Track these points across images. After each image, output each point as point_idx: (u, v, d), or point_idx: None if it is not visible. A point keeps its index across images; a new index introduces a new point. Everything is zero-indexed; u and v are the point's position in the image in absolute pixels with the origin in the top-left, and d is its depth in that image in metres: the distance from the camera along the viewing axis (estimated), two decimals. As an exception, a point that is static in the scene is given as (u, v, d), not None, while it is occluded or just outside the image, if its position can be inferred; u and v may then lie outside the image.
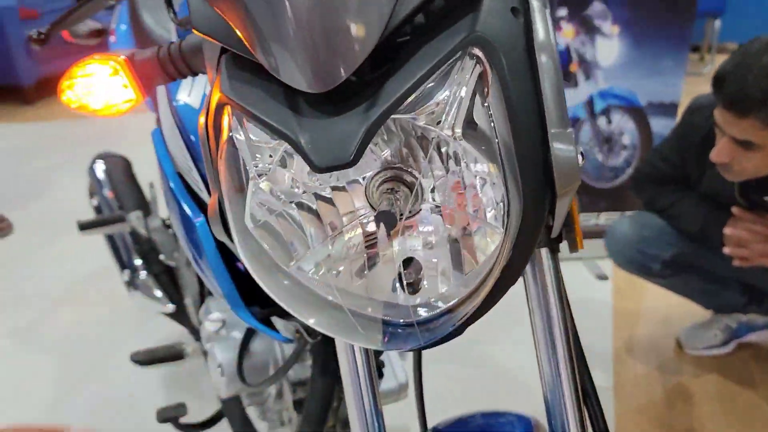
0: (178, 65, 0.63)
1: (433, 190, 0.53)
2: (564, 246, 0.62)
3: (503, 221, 0.50)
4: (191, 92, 0.75)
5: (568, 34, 2.29)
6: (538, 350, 0.64)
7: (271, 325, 0.79)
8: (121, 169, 1.88)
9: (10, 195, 3.15)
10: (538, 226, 0.51)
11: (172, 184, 0.76)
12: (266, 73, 0.51)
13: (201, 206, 0.74)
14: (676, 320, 2.15)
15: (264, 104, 0.49)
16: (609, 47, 2.29)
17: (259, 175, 0.51)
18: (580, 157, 0.51)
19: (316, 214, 0.54)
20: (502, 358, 1.96)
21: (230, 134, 0.51)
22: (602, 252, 2.00)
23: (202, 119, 0.55)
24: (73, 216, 1.63)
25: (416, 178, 0.53)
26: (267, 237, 0.55)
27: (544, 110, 0.48)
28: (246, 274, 0.76)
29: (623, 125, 2.40)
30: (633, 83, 2.34)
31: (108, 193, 1.80)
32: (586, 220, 2.60)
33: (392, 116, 0.47)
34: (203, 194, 0.74)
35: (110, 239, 1.76)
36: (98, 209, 1.83)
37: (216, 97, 0.52)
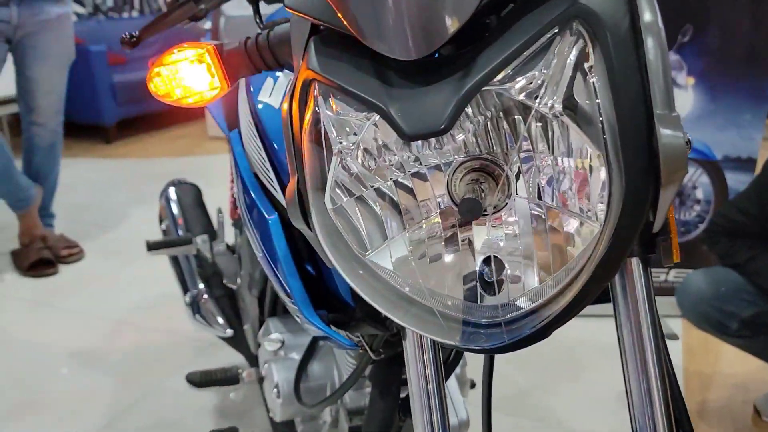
0: (265, 56, 0.64)
1: (518, 177, 0.51)
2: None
3: (604, 212, 0.47)
4: (272, 93, 0.76)
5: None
6: (627, 372, 0.57)
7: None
8: (192, 196, 1.93)
9: (85, 223, 3.28)
10: (639, 220, 0.47)
11: (247, 182, 0.77)
12: (355, 49, 0.51)
13: (275, 205, 0.74)
14: (754, 385, 2.00)
15: (353, 77, 0.49)
16: (683, 98, 2.24)
17: (343, 153, 0.51)
18: (687, 142, 0.48)
19: (396, 202, 0.53)
20: (560, 411, 1.86)
21: (316, 109, 0.51)
22: (671, 310, 1.90)
23: (285, 105, 0.55)
24: (141, 247, 1.67)
25: (503, 170, 0.51)
26: (344, 224, 0.54)
27: (650, 91, 0.45)
28: (315, 277, 0.75)
29: (697, 179, 2.32)
30: (708, 136, 2.27)
31: (177, 217, 1.85)
32: (655, 276, 2.49)
33: (487, 87, 0.45)
34: (278, 194, 0.74)
35: (175, 262, 1.80)
36: (166, 232, 1.88)
37: (303, 75, 0.53)
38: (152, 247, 1.66)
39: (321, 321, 0.71)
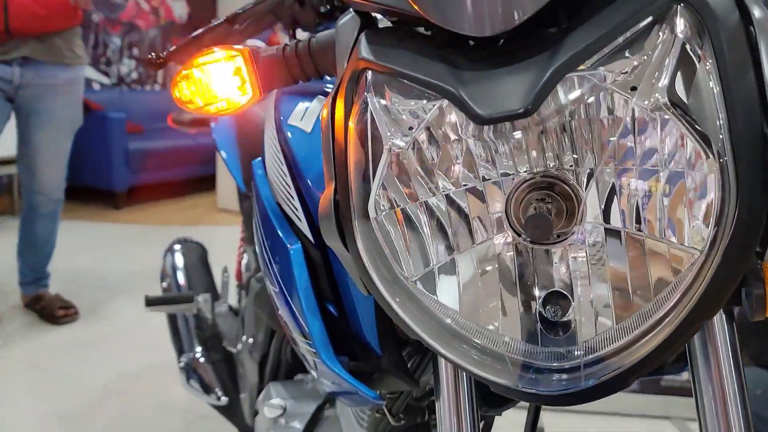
0: (304, 64, 0.59)
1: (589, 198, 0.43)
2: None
3: (712, 236, 0.39)
4: (303, 117, 0.70)
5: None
6: None
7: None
8: (197, 255, 1.86)
9: (84, 286, 3.19)
10: (751, 247, 0.39)
11: (268, 211, 0.69)
12: (413, 41, 0.46)
13: (298, 236, 0.67)
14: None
15: (414, 63, 0.43)
16: None
17: (395, 151, 0.43)
18: None
19: (447, 220, 0.45)
20: None
21: (366, 101, 0.44)
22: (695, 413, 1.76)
23: (325, 110, 0.49)
24: (137, 313, 1.59)
25: (573, 191, 0.43)
26: (386, 242, 0.46)
27: (766, 92, 0.38)
28: (337, 319, 0.66)
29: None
30: None
31: (179, 275, 1.77)
32: (673, 377, 2.35)
33: (576, 72, 0.39)
34: (302, 224, 0.67)
35: (173, 321, 1.70)
36: (167, 290, 1.79)
37: (351, 67, 0.46)
38: (151, 302, 1.56)
39: (342, 368, 0.62)
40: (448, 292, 0.46)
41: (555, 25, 0.41)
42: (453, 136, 0.43)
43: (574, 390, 0.43)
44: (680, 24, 0.38)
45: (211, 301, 1.61)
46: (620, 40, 0.39)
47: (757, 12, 0.39)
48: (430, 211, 0.45)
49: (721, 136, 0.38)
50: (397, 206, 0.45)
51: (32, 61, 2.32)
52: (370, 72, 0.44)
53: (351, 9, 0.51)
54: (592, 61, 0.39)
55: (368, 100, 0.43)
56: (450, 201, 0.45)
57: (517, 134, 0.42)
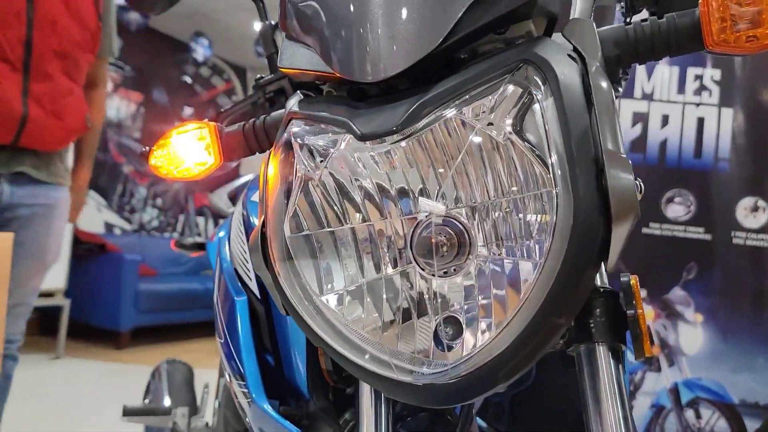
0: (260, 137, 0.71)
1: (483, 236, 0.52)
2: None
3: (547, 242, 0.47)
4: (261, 197, 0.81)
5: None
6: None
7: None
8: (182, 374, 1.88)
9: (69, 423, 3.13)
10: (589, 253, 0.47)
11: (224, 271, 0.78)
12: (328, 97, 0.57)
13: (246, 293, 0.74)
14: None
15: (324, 109, 0.54)
16: (693, 335, 2.21)
17: (308, 179, 0.53)
18: (638, 186, 0.49)
19: (354, 247, 0.54)
20: None
21: (287, 139, 0.55)
22: None
23: (263, 166, 0.60)
24: None
25: (466, 230, 0.52)
26: (304, 262, 0.54)
27: (598, 134, 0.48)
28: (273, 368, 0.71)
29: (714, 423, 2.18)
30: (722, 377, 2.19)
31: (162, 392, 1.78)
32: None
33: (441, 109, 0.49)
34: (251, 282, 0.75)
35: (149, 434, 1.69)
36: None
37: (285, 121, 0.58)
38: (128, 412, 1.57)
39: (273, 410, 0.66)
40: (353, 311, 0.53)
41: (434, 78, 0.52)
42: (359, 170, 0.53)
43: (443, 382, 0.48)
44: (527, 77, 0.50)
45: (188, 415, 1.61)
46: (481, 87, 0.50)
47: (593, 65, 0.51)
48: (340, 238, 0.53)
49: (557, 167, 0.47)
50: (310, 231, 0.53)
51: (26, 177, 1.83)
52: (294, 121, 0.56)
53: (298, 91, 0.64)
54: (458, 101, 0.49)
55: (290, 140, 0.54)
56: (356, 231, 0.53)
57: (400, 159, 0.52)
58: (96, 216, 5.55)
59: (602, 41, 0.56)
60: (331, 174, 0.53)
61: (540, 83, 0.49)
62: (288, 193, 0.54)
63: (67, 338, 4.50)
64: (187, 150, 0.71)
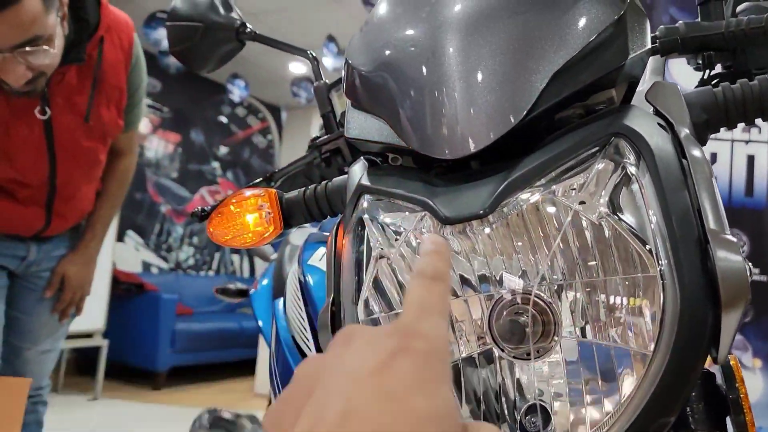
0: (321, 204, 0.68)
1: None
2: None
3: (655, 337, 0.43)
4: (322, 258, 0.79)
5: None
6: None
7: None
8: (224, 425, 1.85)
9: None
10: (699, 347, 0.43)
11: (282, 341, 0.75)
12: (401, 171, 0.55)
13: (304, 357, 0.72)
14: None
15: (398, 185, 0.52)
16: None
17: (381, 257, 0.50)
18: (747, 267, 0.45)
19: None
20: None
21: (360, 216, 0.52)
22: None
23: (331, 237, 0.57)
24: None
25: (549, 309, 0.48)
26: None
27: (701, 211, 0.44)
28: None
29: (780, 476, 2.05)
30: (786, 427, 2.07)
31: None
32: None
33: (530, 188, 0.46)
34: (311, 354, 0.72)
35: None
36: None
37: (354, 195, 0.55)
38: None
39: None
40: None
41: (515, 154, 0.50)
42: None
43: None
44: (619, 152, 0.46)
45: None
46: (569, 163, 0.47)
47: (695, 152, 0.47)
48: None
49: (660, 251, 0.43)
50: (386, 312, 0.50)
51: (50, 240, 1.80)
52: (366, 195, 0.53)
53: (362, 157, 0.62)
54: (546, 179, 0.46)
55: (363, 216, 0.52)
56: None
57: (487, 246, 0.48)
58: (134, 255, 5.62)
59: (689, 106, 0.53)
60: (404, 254, 0.50)
61: (634, 158, 0.46)
62: (360, 272, 0.51)
63: (104, 379, 4.52)
64: (246, 217, 0.69)
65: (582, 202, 0.45)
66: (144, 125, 5.75)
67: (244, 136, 6.75)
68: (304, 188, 0.70)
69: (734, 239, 0.44)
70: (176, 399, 4.67)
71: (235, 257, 6.62)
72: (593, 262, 0.46)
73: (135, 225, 5.67)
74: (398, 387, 0.24)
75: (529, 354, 0.49)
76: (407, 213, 0.50)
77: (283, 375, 0.72)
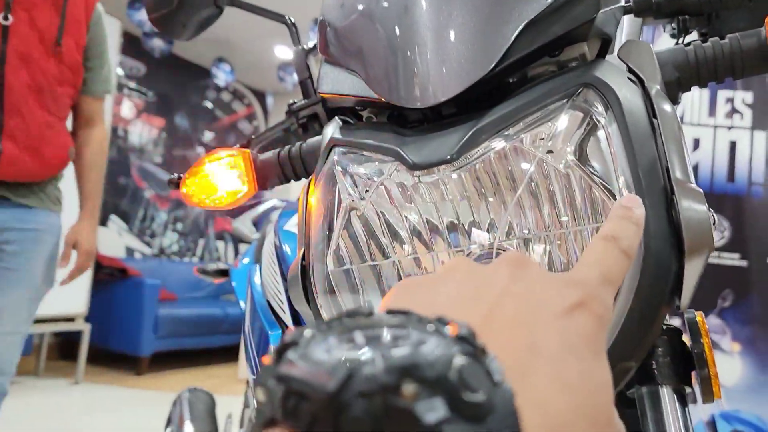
0: (295, 164, 0.68)
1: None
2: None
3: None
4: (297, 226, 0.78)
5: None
6: None
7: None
8: (204, 403, 1.84)
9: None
10: (662, 291, 0.43)
11: (257, 304, 0.75)
12: (372, 125, 0.54)
13: (280, 326, 0.71)
14: None
15: (369, 137, 0.51)
16: (730, 365, 2.13)
17: (353, 209, 0.50)
18: (712, 218, 0.45)
19: (399, 279, 0.51)
20: None
21: (330, 168, 0.52)
22: None
23: (302, 195, 0.57)
24: None
25: None
26: (346, 296, 0.51)
27: (667, 162, 0.44)
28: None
29: (755, 458, 2.09)
30: (763, 409, 2.10)
31: (184, 421, 1.75)
32: None
33: (497, 136, 0.46)
34: (285, 315, 0.71)
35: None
36: (169, 436, 1.76)
37: (326, 148, 0.55)
38: (150, 444, 1.54)
39: None
40: None
41: (484, 104, 0.49)
42: (404, 202, 0.50)
43: None
44: (588, 102, 0.46)
45: (211, 446, 1.57)
46: (538, 112, 0.46)
47: (666, 107, 0.47)
48: (384, 273, 0.50)
49: (625, 192, 0.44)
50: (354, 264, 0.50)
51: (11, 202, 1.76)
52: (337, 148, 0.53)
53: (336, 117, 0.61)
54: (515, 128, 0.46)
55: (333, 168, 0.51)
56: (404, 265, 0.50)
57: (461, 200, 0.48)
58: (117, 240, 5.58)
59: (661, 64, 0.53)
60: (376, 205, 0.49)
61: (602, 108, 0.46)
62: (330, 225, 0.51)
63: (86, 363, 4.49)
64: (219, 178, 0.68)
65: (549, 152, 0.45)
66: (128, 109, 5.69)
67: (230, 122, 6.70)
68: (278, 149, 0.69)
69: (699, 189, 0.44)
70: (159, 384, 4.65)
71: (220, 243, 6.59)
72: (561, 214, 0.46)
73: (118, 210, 5.63)
74: (579, 342, 0.24)
75: None
76: (377, 164, 0.50)
77: (258, 341, 0.71)
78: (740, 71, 0.54)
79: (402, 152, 0.47)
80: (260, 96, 6.88)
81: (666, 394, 0.50)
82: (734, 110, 2.30)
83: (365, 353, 0.19)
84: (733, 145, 2.29)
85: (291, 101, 0.83)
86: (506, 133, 0.46)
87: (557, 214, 0.46)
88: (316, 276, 0.50)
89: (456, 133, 0.47)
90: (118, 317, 4.84)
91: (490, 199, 0.48)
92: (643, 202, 0.43)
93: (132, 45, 5.28)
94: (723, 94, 2.30)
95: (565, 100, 0.46)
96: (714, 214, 0.47)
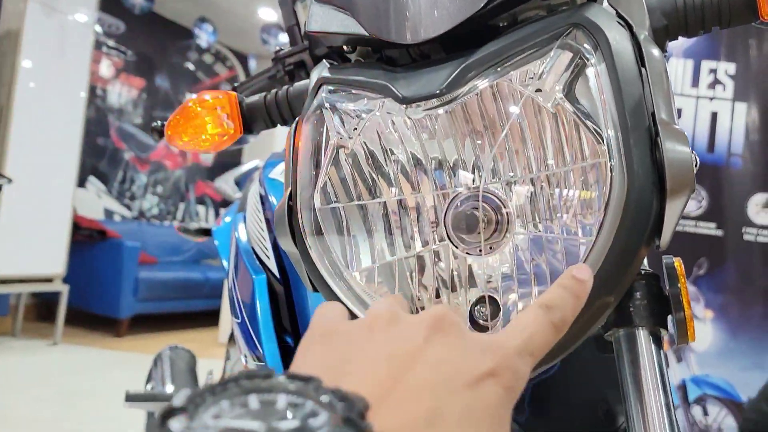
0: (282, 108, 0.67)
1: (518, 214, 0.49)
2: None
3: (600, 219, 0.44)
4: (283, 171, 0.78)
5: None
6: None
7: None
8: (184, 361, 1.85)
9: (79, 403, 3.11)
10: (643, 230, 0.44)
11: (241, 250, 0.75)
12: (361, 64, 0.54)
13: (264, 270, 0.71)
14: None
15: (358, 74, 0.51)
16: (702, 331, 2.19)
17: (341, 147, 0.50)
18: (694, 159, 0.46)
19: (386, 223, 0.51)
20: None
21: (318, 105, 0.51)
22: None
23: (289, 137, 0.56)
24: None
25: (504, 205, 0.49)
26: (332, 236, 0.51)
27: (653, 105, 0.45)
28: (292, 348, 0.68)
29: (722, 420, 2.16)
30: (731, 374, 2.17)
31: (165, 378, 1.75)
32: None
33: (485, 71, 0.46)
34: (270, 261, 0.71)
35: (151, 419, 1.66)
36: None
37: (315, 86, 0.54)
38: (131, 398, 1.54)
39: None
40: (383, 290, 0.50)
41: (472, 45, 0.49)
42: (394, 141, 0.49)
43: None
44: (576, 42, 0.46)
45: (192, 401, 1.58)
46: (527, 51, 0.46)
47: (654, 52, 0.47)
48: (370, 212, 0.50)
49: (610, 136, 0.44)
50: (340, 203, 0.50)
51: None
52: (325, 87, 0.52)
53: (323, 60, 0.61)
54: (504, 66, 0.46)
55: (322, 105, 0.51)
56: (390, 205, 0.50)
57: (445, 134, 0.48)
58: (96, 202, 5.51)
59: (649, 11, 0.53)
60: (364, 143, 0.49)
61: (591, 48, 0.46)
62: (318, 163, 0.50)
63: (65, 325, 4.46)
64: (205, 120, 0.68)
65: (538, 90, 0.45)
66: (106, 68, 5.57)
67: (212, 84, 6.60)
68: (265, 93, 0.69)
69: (683, 130, 0.45)
70: (138, 346, 4.65)
71: (201, 208, 6.55)
72: (547, 156, 0.47)
73: (97, 171, 5.55)
74: (482, 415, 0.24)
75: (482, 250, 0.49)
76: (366, 101, 0.50)
77: (242, 284, 0.71)
78: (727, 20, 0.55)
79: (391, 86, 0.47)
80: (243, 58, 6.77)
81: (642, 336, 0.51)
82: (717, 81, 2.31)
83: (252, 424, 0.18)
84: (714, 116, 2.31)
85: (278, 48, 0.82)
86: (496, 70, 0.46)
87: (544, 155, 0.47)
88: (304, 216, 0.50)
89: (445, 69, 0.47)
90: (97, 279, 4.80)
91: (478, 141, 0.48)
92: (628, 141, 0.44)
93: (111, 1, 5.15)
94: (706, 65, 2.31)
95: (554, 40, 0.46)
96: (696, 156, 0.48)
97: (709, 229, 2.24)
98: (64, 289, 4.42)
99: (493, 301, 0.50)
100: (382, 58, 0.56)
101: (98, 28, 5.23)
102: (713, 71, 2.33)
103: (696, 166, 0.47)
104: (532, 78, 0.46)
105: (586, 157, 0.46)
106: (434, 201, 0.50)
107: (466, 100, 0.46)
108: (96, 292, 4.80)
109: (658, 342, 0.52)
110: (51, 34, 4.13)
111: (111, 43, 5.58)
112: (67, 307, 4.45)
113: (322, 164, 0.50)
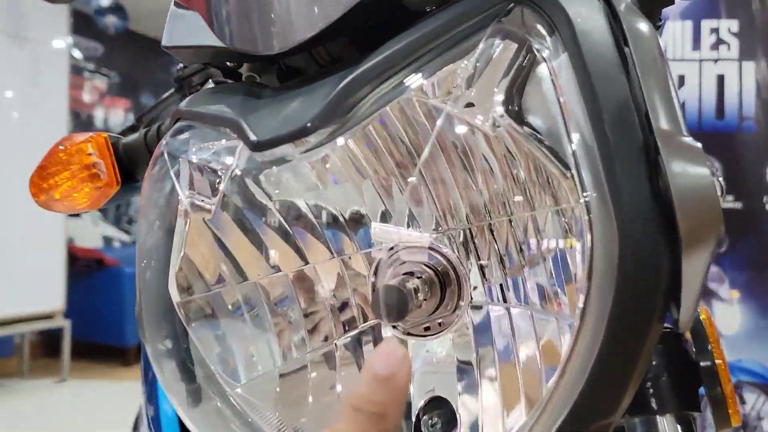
0: None
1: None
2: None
3: (583, 300, 0.29)
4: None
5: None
6: None
7: None
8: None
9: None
10: (649, 312, 0.28)
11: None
12: (242, 87, 0.39)
13: None
14: None
15: (217, 104, 0.35)
16: (730, 314, 2.02)
17: (194, 207, 0.35)
18: (719, 187, 0.30)
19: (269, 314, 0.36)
20: None
21: (161, 150, 0.36)
22: None
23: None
24: None
25: (455, 270, 0.34)
26: (203, 335, 0.36)
27: (647, 108, 0.29)
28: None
29: (760, 407, 1.99)
30: (765, 357, 2.00)
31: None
32: None
33: (383, 89, 0.31)
34: None
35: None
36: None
37: (171, 123, 0.40)
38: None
39: None
40: (287, 402, 0.35)
41: (381, 39, 0.33)
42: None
43: None
44: (520, 26, 0.30)
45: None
46: (447, 47, 0.31)
47: (627, 14, 0.31)
48: (245, 298, 0.35)
49: (583, 165, 0.28)
50: (208, 291, 0.35)
51: None
52: (180, 124, 0.37)
53: (210, 80, 0.46)
54: (411, 69, 0.30)
55: (163, 152, 0.35)
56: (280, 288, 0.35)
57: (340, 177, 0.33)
58: (93, 230, 5.40)
59: None
60: (230, 205, 0.34)
61: (545, 33, 0.30)
62: (170, 234, 0.35)
63: (72, 359, 4.36)
64: (75, 173, 0.52)
65: (469, 105, 0.29)
66: (88, 93, 5.45)
67: (199, 98, 6.47)
68: (145, 129, 0.53)
69: (696, 144, 0.28)
70: (148, 374, 4.54)
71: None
72: (508, 196, 0.31)
73: (91, 198, 5.44)
74: None
75: (428, 328, 0.35)
76: (225, 142, 0.34)
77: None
78: None
79: (243, 123, 0.31)
80: (229, 68, 6.63)
81: (666, 424, 0.37)
82: (720, 41, 2.14)
83: None
84: (720, 79, 2.14)
85: (180, 66, 0.66)
86: (397, 81, 0.30)
87: (503, 195, 0.31)
88: (147, 315, 0.35)
89: (325, 87, 0.31)
90: (99, 309, 4.72)
91: (408, 179, 0.33)
92: (614, 169, 0.28)
93: (85, 24, 5.01)
94: (707, 24, 2.13)
95: (486, 25, 0.30)
96: (722, 182, 0.32)
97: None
98: (66, 324, 4.31)
99: (447, 406, 0.35)
100: (282, 70, 0.41)
101: (77, 54, 5.11)
102: (715, 30, 2.16)
103: (722, 196, 0.31)
104: (456, 86, 0.30)
105: (557, 193, 0.30)
106: (341, 268, 0.35)
107: (356, 135, 0.31)
108: (100, 323, 4.71)
109: (687, 425, 0.37)
110: (24, 63, 4.01)
111: (91, 66, 5.45)
112: (72, 341, 4.35)
113: (175, 237, 0.35)
